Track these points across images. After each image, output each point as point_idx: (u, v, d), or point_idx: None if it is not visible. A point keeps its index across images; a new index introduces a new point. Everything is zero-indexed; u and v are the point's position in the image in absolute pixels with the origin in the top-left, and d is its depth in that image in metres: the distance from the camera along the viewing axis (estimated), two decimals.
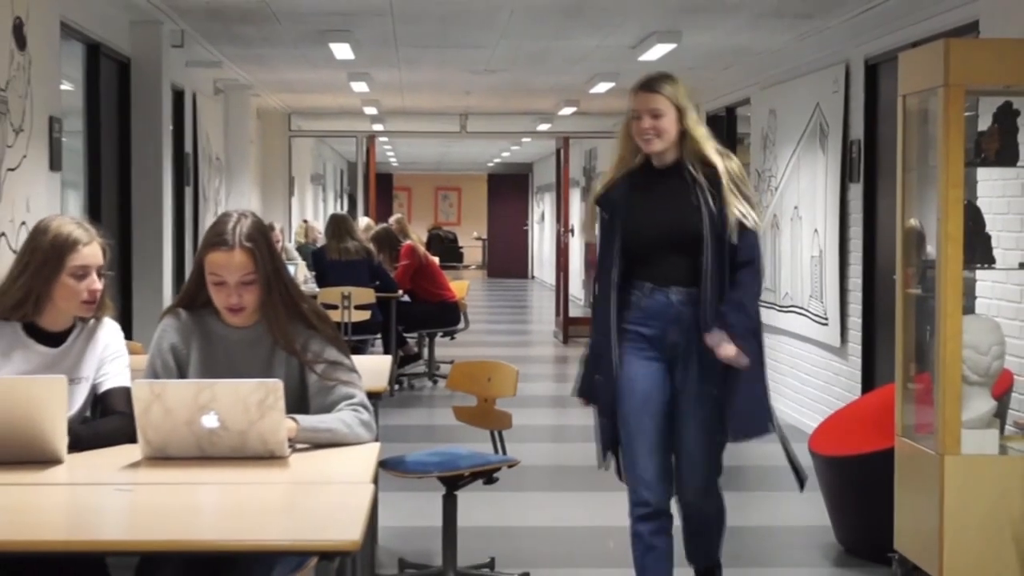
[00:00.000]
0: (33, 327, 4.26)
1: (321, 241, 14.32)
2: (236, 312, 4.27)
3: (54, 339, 4.28)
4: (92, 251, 4.26)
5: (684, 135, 5.33)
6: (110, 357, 4.34)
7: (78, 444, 3.99)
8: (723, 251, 5.21)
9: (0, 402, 3.78)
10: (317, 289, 12.06)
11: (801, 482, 5.44)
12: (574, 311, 19.89)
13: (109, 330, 4.38)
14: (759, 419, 5.28)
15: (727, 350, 5.18)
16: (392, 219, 14.85)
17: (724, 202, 5.21)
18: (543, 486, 8.68)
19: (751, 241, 5.30)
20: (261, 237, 4.26)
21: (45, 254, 4.20)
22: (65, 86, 8.66)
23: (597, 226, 5.42)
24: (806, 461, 7.69)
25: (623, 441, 5.41)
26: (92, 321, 4.34)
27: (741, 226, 5.24)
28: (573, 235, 21.16)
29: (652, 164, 5.40)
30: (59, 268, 4.20)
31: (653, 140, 5.33)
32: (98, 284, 4.27)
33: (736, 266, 5.26)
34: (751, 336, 5.25)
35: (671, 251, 5.27)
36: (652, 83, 5.38)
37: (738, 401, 5.23)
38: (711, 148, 5.32)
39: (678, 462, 5.38)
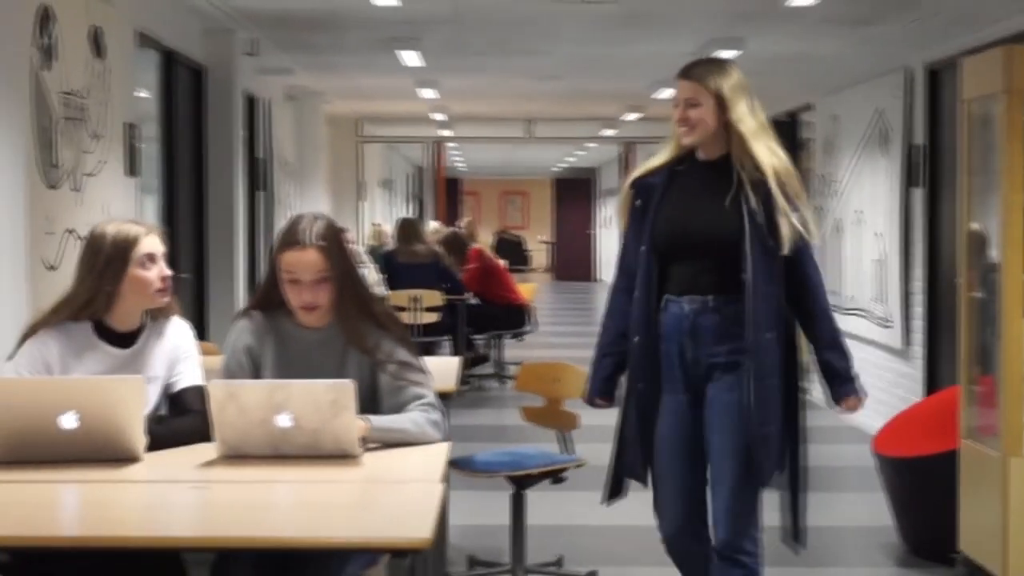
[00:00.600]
0: (103, 328, 4.28)
1: (391, 244, 14.35)
2: (310, 310, 4.28)
3: (124, 340, 4.30)
4: (152, 240, 4.29)
5: (730, 129, 4.64)
6: (182, 356, 4.36)
7: (156, 443, 4.02)
8: (772, 265, 4.51)
9: (81, 401, 3.82)
10: (387, 292, 12.09)
11: (797, 542, 4.83)
12: None
13: (179, 329, 4.39)
14: (762, 466, 4.58)
15: (855, 406, 4.67)
16: (462, 222, 14.88)
17: (775, 208, 4.53)
18: None
19: (811, 257, 4.65)
20: (333, 237, 4.28)
21: (108, 255, 4.23)
22: (141, 93, 8.73)
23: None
24: (869, 462, 7.63)
25: (652, 480, 4.89)
26: (160, 321, 4.36)
27: (798, 238, 4.56)
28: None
29: (698, 156, 4.74)
30: (125, 264, 4.22)
31: (686, 132, 4.67)
32: (168, 270, 4.30)
33: (798, 285, 4.60)
34: (849, 374, 4.69)
35: (698, 256, 4.61)
36: (691, 70, 4.74)
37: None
38: (760, 146, 4.63)
39: (712, 502, 4.74)
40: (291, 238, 4.26)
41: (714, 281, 4.59)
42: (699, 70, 4.72)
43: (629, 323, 4.74)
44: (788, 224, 4.52)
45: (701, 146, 4.71)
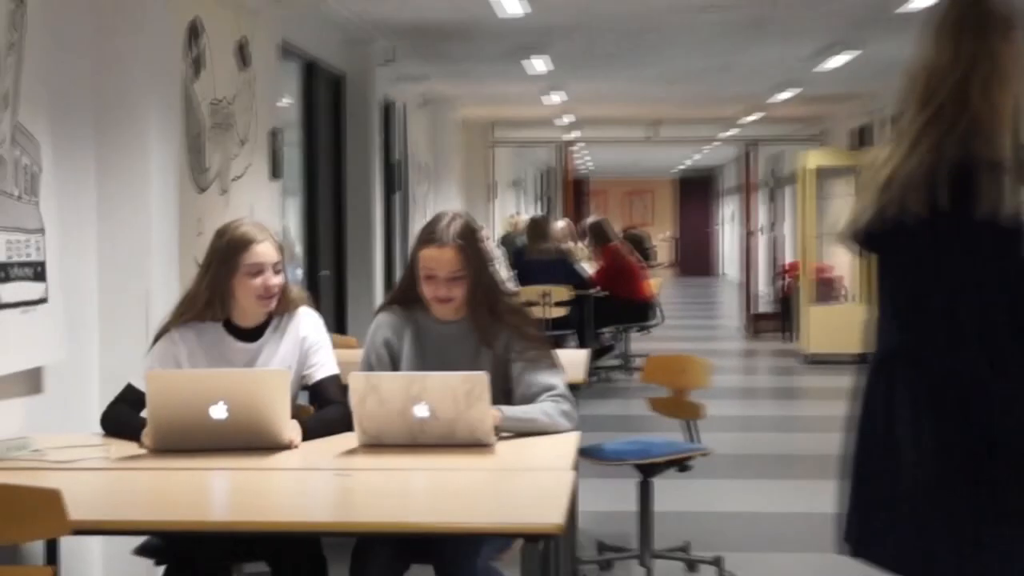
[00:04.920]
0: (231, 325, 4.31)
1: (524, 236, 14.28)
2: (444, 303, 4.28)
3: (251, 334, 4.32)
4: (265, 249, 4.28)
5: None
6: (314, 347, 4.35)
7: (307, 434, 4.04)
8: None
9: (230, 392, 3.85)
10: (518, 287, 12.09)
11: None
12: (761, 307, 19.64)
13: (307, 320, 4.38)
14: None
15: None
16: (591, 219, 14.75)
17: None
18: (734, 474, 8.57)
19: None
20: (471, 236, 4.27)
21: (223, 254, 4.25)
22: (284, 101, 8.81)
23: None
24: None
25: None
26: (286, 314, 4.37)
27: None
28: (759, 234, 20.91)
29: None
30: (235, 266, 4.23)
31: None
32: (274, 280, 4.28)
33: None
34: None
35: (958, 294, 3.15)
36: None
37: None
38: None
39: None
40: (430, 236, 4.26)
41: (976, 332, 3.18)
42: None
43: None
44: None
45: None
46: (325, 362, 4.36)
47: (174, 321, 4.29)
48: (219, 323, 4.29)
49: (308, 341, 4.36)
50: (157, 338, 4.31)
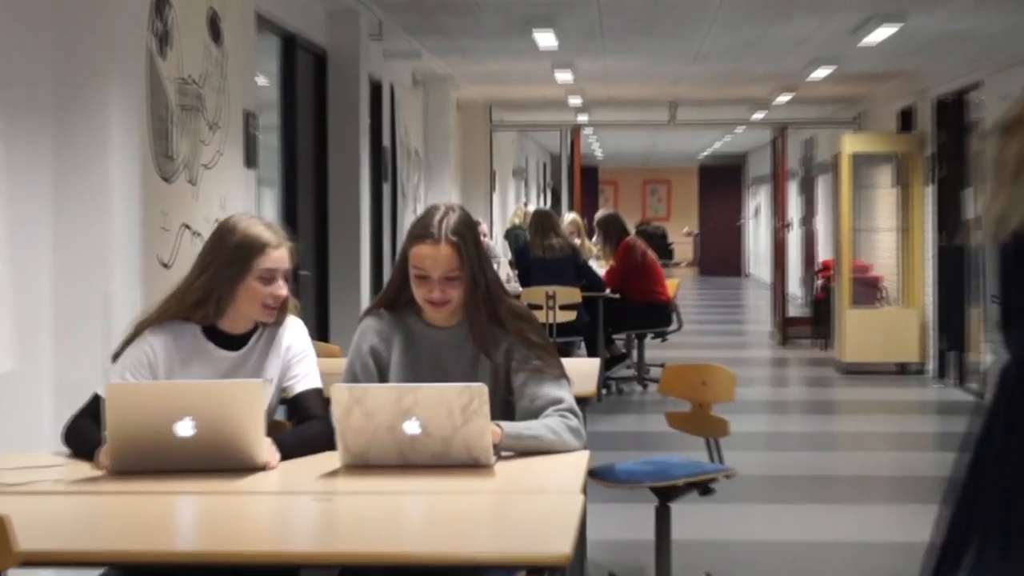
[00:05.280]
0: (212, 330, 4.30)
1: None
2: (438, 307, 4.27)
3: (234, 342, 4.31)
4: (280, 255, 4.28)
5: None
6: (296, 358, 4.36)
7: (285, 454, 4.03)
8: None
9: (198, 407, 3.84)
10: (520, 288, 12.08)
11: None
12: (792, 311, 19.65)
13: (292, 330, 4.39)
14: None
15: None
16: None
17: None
18: (762, 497, 8.57)
19: None
20: (468, 232, 4.26)
21: (231, 254, 4.24)
22: (260, 80, 8.81)
23: None
24: None
25: None
26: (275, 323, 4.37)
27: None
28: (791, 229, 20.90)
29: None
30: (245, 270, 4.23)
31: None
32: (283, 290, 4.29)
33: None
34: None
35: None
36: None
37: None
38: None
39: None
40: (423, 231, 4.25)
41: None
42: None
43: None
44: None
45: None
46: (308, 373, 4.36)
47: (153, 319, 4.28)
48: (197, 327, 4.28)
49: (291, 351, 4.35)
50: (128, 341, 4.29)
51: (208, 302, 4.25)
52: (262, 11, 8.63)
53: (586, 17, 11.30)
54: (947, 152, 14.13)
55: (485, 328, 4.29)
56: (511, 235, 17.61)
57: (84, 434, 4.11)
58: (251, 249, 4.24)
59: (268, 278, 4.26)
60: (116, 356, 4.31)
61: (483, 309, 4.28)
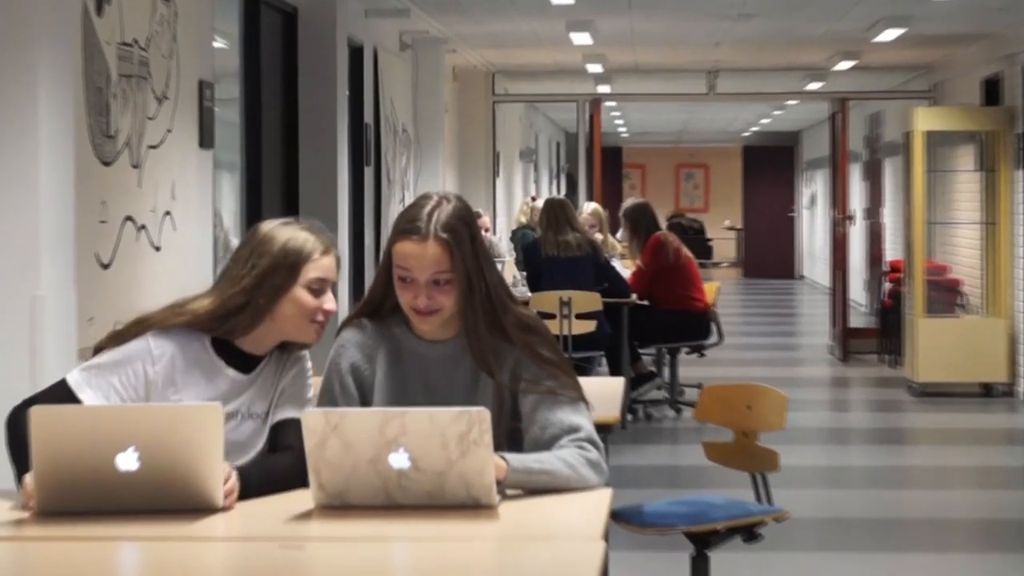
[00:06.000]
0: (224, 344, 4.32)
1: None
2: (425, 316, 4.28)
3: (246, 363, 4.33)
4: (330, 263, 4.33)
5: None
6: (291, 383, 4.39)
7: (249, 490, 4.03)
8: None
9: (143, 435, 3.83)
10: (529, 293, 12.09)
11: None
12: (855, 320, 19.65)
13: (301, 359, 4.44)
14: None
15: None
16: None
17: None
18: (818, 544, 8.58)
19: None
20: (464, 228, 4.26)
21: (274, 259, 4.26)
22: (218, 43, 8.82)
23: None
24: None
25: None
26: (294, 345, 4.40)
27: None
28: (853, 222, 20.90)
29: None
30: (292, 279, 4.26)
31: None
32: (334, 304, 4.34)
33: None
34: None
35: None
36: None
37: None
38: None
39: None
40: (408, 225, 4.25)
41: None
42: None
43: None
44: None
45: None
46: (296, 399, 4.37)
47: (160, 321, 4.27)
48: (207, 337, 4.29)
49: (289, 376, 4.39)
50: (121, 335, 4.28)
51: (242, 312, 4.26)
52: None
53: None
54: None
55: (486, 341, 4.29)
56: (517, 237, 17.59)
57: (22, 439, 4.05)
58: (299, 255, 4.28)
59: (318, 289, 4.29)
60: (99, 349, 4.30)
61: (483, 319, 4.28)
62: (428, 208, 4.26)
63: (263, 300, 4.25)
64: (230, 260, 4.36)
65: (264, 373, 4.35)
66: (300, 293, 4.27)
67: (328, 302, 4.31)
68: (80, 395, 4.16)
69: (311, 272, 4.28)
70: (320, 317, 4.30)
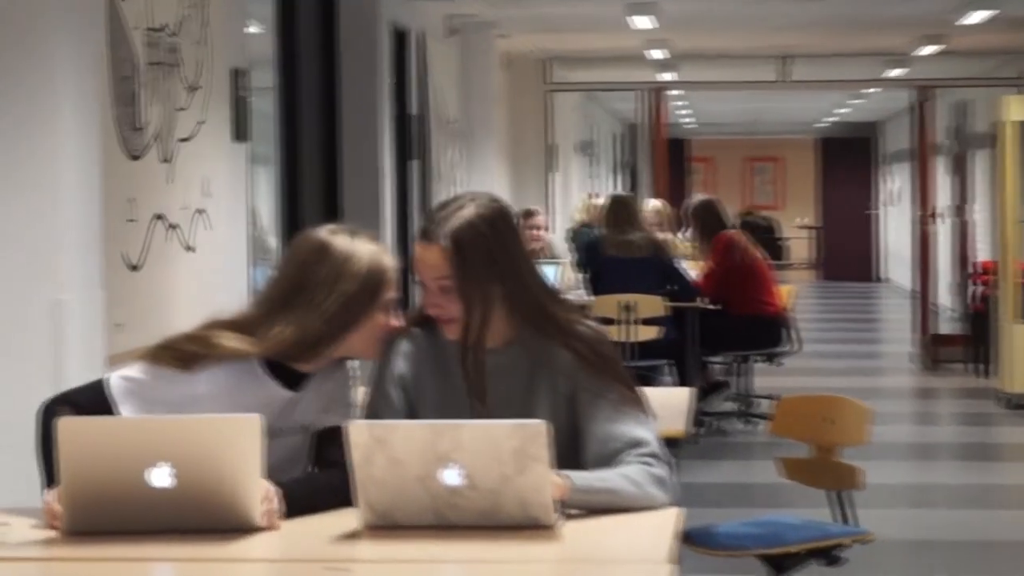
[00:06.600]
0: (278, 364, 4.34)
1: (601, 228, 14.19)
2: (444, 323, 4.30)
3: (294, 379, 4.36)
4: (395, 275, 4.38)
5: None
6: (338, 393, 4.42)
7: (294, 508, 4.04)
8: None
9: (177, 450, 3.85)
10: (589, 297, 12.07)
11: None
12: (941, 326, 19.57)
13: (343, 368, 4.48)
14: None
15: None
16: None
17: None
18: (906, 568, 8.56)
19: None
20: (476, 238, 4.24)
21: (361, 284, 4.29)
22: (252, 28, 8.84)
23: None
24: None
25: None
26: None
27: None
28: (939, 220, 20.82)
29: None
30: (373, 302, 4.30)
31: None
32: (399, 319, 4.38)
33: None
34: None
35: None
36: None
37: None
38: None
39: None
40: (424, 225, 4.33)
41: None
42: None
43: None
44: None
45: None
46: (342, 404, 4.39)
47: (241, 351, 4.28)
48: (255, 359, 4.31)
49: (334, 385, 4.42)
50: (185, 355, 4.27)
51: (322, 343, 4.29)
52: None
53: None
54: None
55: (542, 348, 4.30)
56: (575, 236, 17.56)
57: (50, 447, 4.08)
58: (381, 277, 4.32)
59: (389, 308, 4.34)
60: (157, 355, 4.29)
61: (534, 324, 4.30)
62: (446, 211, 4.29)
63: (346, 327, 4.29)
64: (295, 276, 4.33)
65: (312, 384, 4.37)
66: (379, 316, 4.31)
67: (395, 319, 4.36)
68: (120, 407, 4.18)
69: (389, 292, 4.32)
70: (384, 336, 4.35)
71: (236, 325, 4.32)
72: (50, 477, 4.02)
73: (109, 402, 4.18)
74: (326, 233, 4.37)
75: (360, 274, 4.29)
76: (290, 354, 4.28)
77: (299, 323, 4.28)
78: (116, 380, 4.23)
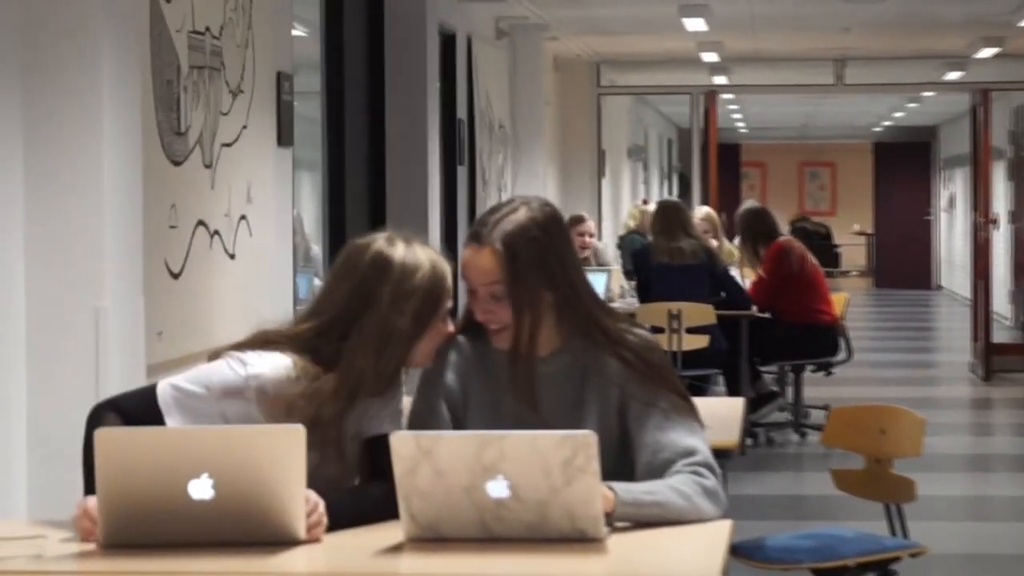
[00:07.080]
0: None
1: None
2: (493, 332, 4.29)
3: None
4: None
5: None
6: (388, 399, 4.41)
7: (340, 521, 4.04)
8: None
9: (218, 461, 3.85)
10: (637, 304, 12.05)
11: None
12: (999, 335, 19.50)
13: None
14: None
15: None
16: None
17: None
18: None
19: None
20: (529, 243, 4.24)
21: (425, 296, 4.29)
22: (297, 31, 8.85)
23: None
24: None
25: None
26: None
27: None
28: (997, 227, 20.74)
29: None
30: (435, 313, 4.31)
31: None
32: (452, 326, 4.38)
33: None
34: None
35: None
36: None
37: None
38: None
39: None
40: (474, 229, 4.34)
41: None
42: None
43: None
44: None
45: None
46: (389, 410, 4.39)
47: (327, 391, 4.27)
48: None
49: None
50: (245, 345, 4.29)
51: (400, 371, 4.30)
52: None
53: None
54: None
55: (590, 356, 4.29)
56: (625, 243, 17.55)
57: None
58: (442, 287, 4.32)
59: (447, 315, 4.35)
60: (214, 356, 4.31)
61: (582, 332, 4.29)
62: (498, 214, 4.30)
63: (413, 344, 4.28)
64: (358, 289, 4.29)
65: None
66: (439, 326, 4.32)
67: (450, 327, 4.36)
68: (167, 417, 4.18)
69: (448, 300, 4.32)
70: (443, 345, 4.36)
71: (296, 340, 4.29)
72: (89, 485, 4.02)
73: (159, 409, 4.17)
74: (384, 243, 4.33)
75: (424, 287, 4.28)
76: (373, 390, 4.27)
77: (375, 352, 4.25)
78: (165, 388, 4.21)
